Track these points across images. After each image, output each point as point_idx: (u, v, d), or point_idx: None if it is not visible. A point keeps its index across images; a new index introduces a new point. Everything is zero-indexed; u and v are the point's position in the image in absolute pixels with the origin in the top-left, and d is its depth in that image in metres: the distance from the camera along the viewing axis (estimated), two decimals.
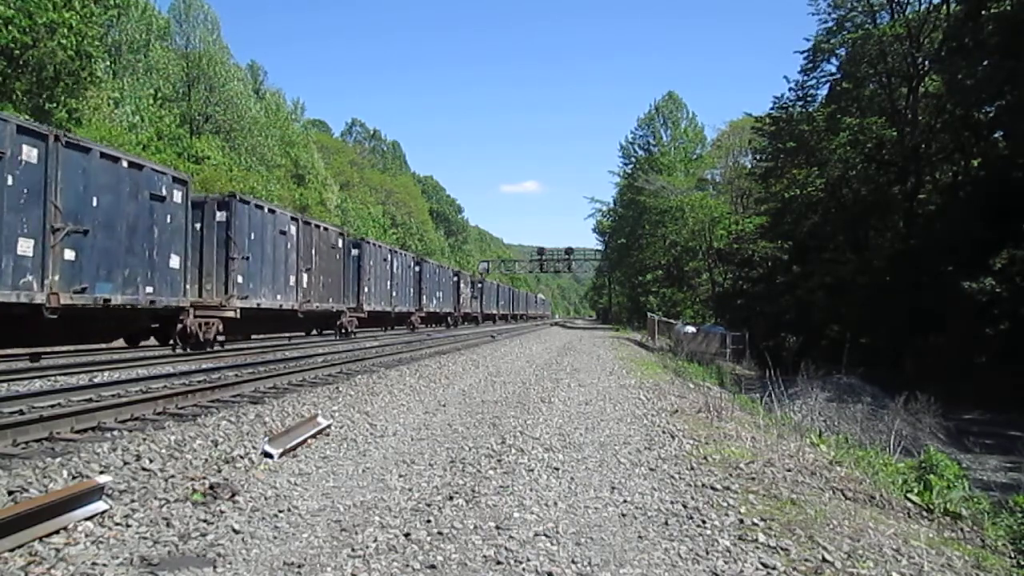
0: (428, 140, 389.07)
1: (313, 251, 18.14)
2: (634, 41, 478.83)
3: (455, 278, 37.54)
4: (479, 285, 45.62)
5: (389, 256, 25.84)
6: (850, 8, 29.84)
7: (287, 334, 19.23)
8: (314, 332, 20.40)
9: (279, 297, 16.22)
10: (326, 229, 19.56)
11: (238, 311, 13.98)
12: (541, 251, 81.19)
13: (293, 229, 17.05)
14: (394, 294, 26.06)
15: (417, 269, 29.69)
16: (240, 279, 14.34)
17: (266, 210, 15.86)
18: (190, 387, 8.11)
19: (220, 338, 13.95)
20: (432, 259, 39.40)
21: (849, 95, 29.85)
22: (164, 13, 38.60)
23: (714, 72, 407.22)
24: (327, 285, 19.06)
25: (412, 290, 28.87)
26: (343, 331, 20.52)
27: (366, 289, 22.92)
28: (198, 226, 13.76)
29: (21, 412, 6.25)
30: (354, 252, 22.45)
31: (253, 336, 17.46)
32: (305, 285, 17.50)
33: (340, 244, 20.38)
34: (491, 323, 46.93)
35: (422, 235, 74.62)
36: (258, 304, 15.07)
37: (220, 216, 14.20)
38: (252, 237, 14.90)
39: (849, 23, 29.79)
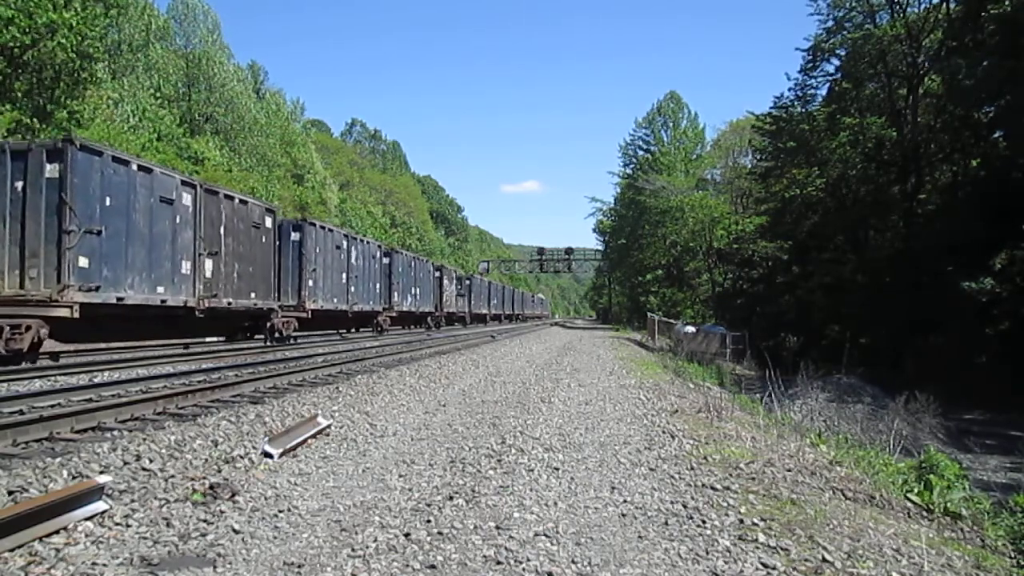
0: (428, 140, 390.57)
1: (222, 230, 13.97)
2: (634, 41, 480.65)
3: (437, 273, 34.06)
4: (466, 282, 42.02)
5: (344, 243, 21.26)
6: (850, 8, 29.86)
7: (182, 340, 14.15)
8: (240, 336, 16.31)
9: (162, 289, 11.98)
10: (243, 202, 15.05)
11: (76, 308, 9.80)
12: (541, 251, 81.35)
13: (188, 198, 12.76)
14: (352, 290, 21.61)
15: (386, 261, 25.68)
16: (85, 262, 10.13)
17: (135, 167, 11.35)
18: (190, 387, 8.12)
19: (61, 348, 10.16)
20: (407, 250, 35.58)
21: (849, 95, 29.87)
22: (164, 13, 38.67)
23: (714, 72, 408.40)
24: (246, 276, 14.93)
25: (379, 285, 24.69)
26: (276, 335, 16.47)
27: (311, 282, 18.60)
28: (19, 185, 9.88)
29: (21, 412, 6.25)
30: (294, 236, 18.32)
31: (129, 344, 12.80)
32: (209, 274, 13.42)
33: (268, 224, 16.07)
34: (482, 324, 44.58)
35: (422, 235, 74.64)
36: (119, 298, 10.85)
37: (51, 171, 9.87)
38: (109, 203, 10.64)
39: (849, 23, 29.82)
